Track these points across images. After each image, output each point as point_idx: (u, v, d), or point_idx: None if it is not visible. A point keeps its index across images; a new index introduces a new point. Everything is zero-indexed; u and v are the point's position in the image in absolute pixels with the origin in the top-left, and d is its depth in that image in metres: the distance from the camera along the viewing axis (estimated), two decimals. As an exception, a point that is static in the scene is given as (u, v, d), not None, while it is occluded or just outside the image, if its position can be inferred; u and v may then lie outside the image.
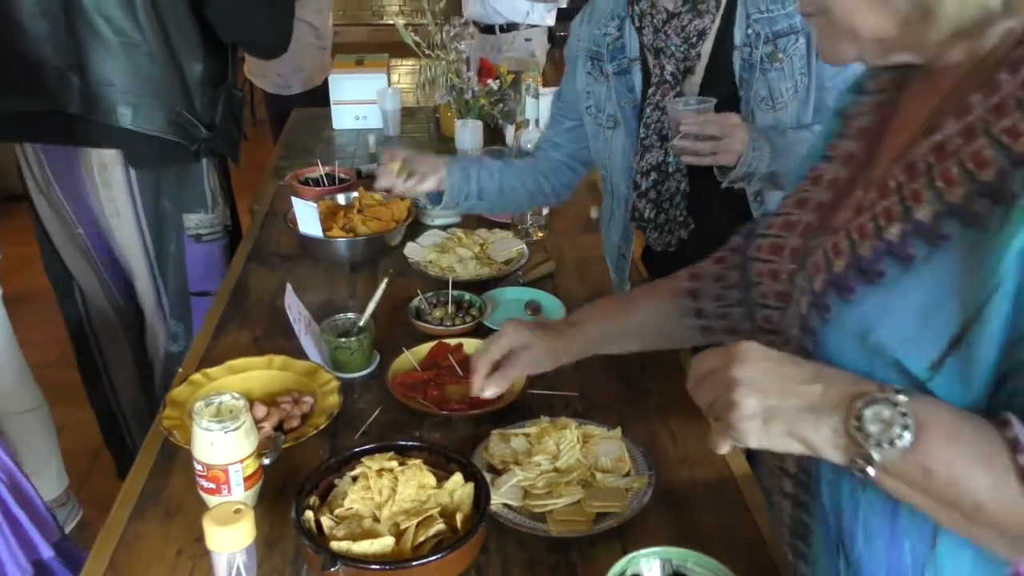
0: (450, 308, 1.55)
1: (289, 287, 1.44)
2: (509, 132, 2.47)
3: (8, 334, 2.05)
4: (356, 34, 7.49)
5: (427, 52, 2.52)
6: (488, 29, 3.45)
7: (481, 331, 1.50)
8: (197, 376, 1.34)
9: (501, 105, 2.51)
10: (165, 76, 1.85)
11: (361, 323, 1.42)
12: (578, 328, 1.18)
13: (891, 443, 0.66)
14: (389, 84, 2.70)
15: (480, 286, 1.66)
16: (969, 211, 0.67)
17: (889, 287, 0.72)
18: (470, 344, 1.43)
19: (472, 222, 1.97)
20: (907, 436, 0.65)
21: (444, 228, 1.91)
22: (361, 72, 2.71)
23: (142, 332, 2.23)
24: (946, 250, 0.68)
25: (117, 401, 2.34)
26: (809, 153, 0.97)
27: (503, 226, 1.93)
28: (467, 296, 1.58)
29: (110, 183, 1.93)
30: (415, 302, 1.56)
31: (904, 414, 0.66)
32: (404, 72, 6.50)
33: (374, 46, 6.89)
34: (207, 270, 2.10)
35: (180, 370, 1.44)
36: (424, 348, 1.43)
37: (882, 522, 0.76)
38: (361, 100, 2.70)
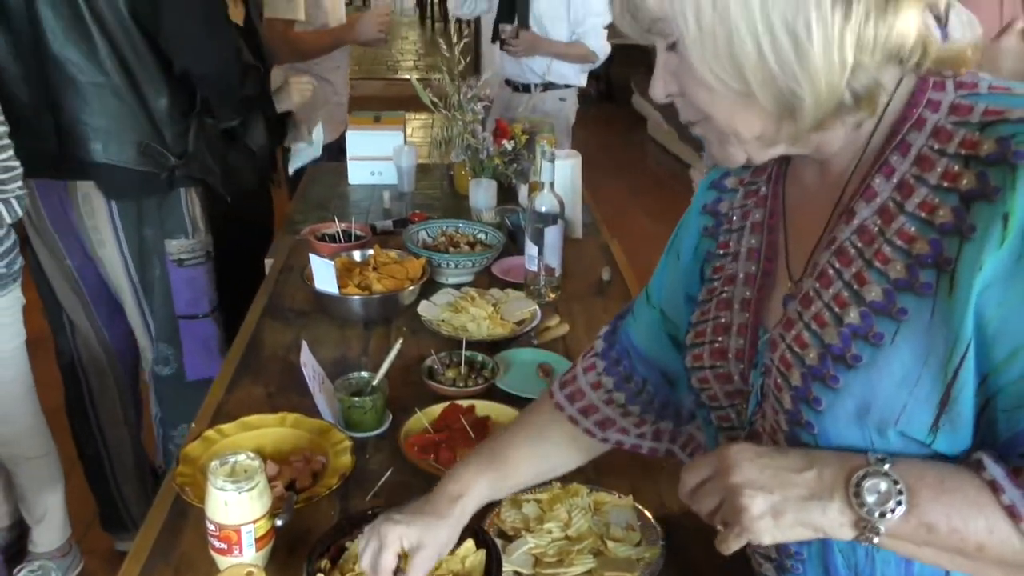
0: (463, 369, 1.56)
1: (305, 345, 1.45)
2: (522, 191, 2.50)
3: (27, 379, 2.06)
4: (371, 88, 7.60)
5: (444, 111, 2.56)
6: (523, 88, 3.47)
7: (494, 392, 1.51)
8: (211, 432, 1.34)
9: (515, 165, 2.55)
10: (132, 111, 1.98)
11: (375, 382, 1.43)
12: (462, 505, 1.04)
13: (892, 511, 0.71)
14: (405, 141, 2.74)
15: (493, 346, 1.67)
16: (916, 283, 0.74)
17: (869, 367, 0.76)
18: (482, 406, 1.44)
19: (485, 281, 1.99)
20: (904, 500, 0.71)
21: (458, 287, 1.93)
22: (378, 129, 2.76)
23: (133, 365, 2.33)
24: (908, 322, 0.74)
25: (104, 440, 2.38)
26: (683, 259, 1.02)
27: (516, 286, 1.94)
28: (480, 357, 1.58)
29: (93, 213, 2.05)
30: (428, 362, 1.57)
31: (896, 481, 0.72)
32: (417, 126, 6.60)
33: (389, 99, 7.00)
34: (194, 294, 2.20)
35: (193, 425, 1.44)
36: (436, 409, 1.43)
37: (897, 570, 0.81)
38: (377, 156, 2.74)
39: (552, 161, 1.86)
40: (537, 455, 1.11)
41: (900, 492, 0.71)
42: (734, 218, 0.95)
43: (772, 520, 0.74)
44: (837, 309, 0.79)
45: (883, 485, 0.71)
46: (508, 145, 2.55)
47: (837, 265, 0.79)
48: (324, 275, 1.74)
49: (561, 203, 1.89)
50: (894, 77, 0.77)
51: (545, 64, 3.41)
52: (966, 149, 0.73)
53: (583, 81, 3.57)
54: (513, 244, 2.14)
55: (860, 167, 0.80)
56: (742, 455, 0.78)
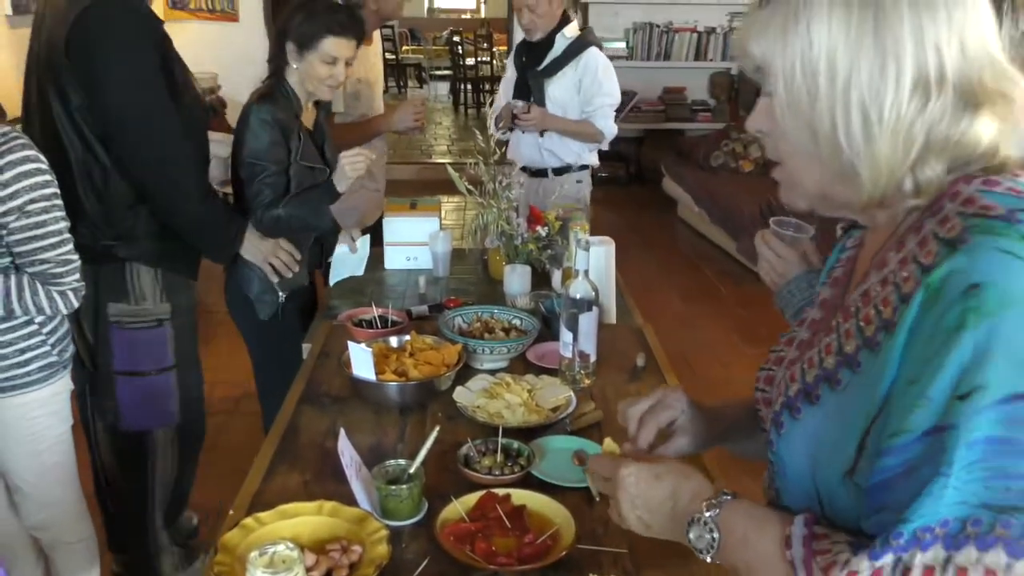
0: (499, 456, 1.56)
1: (343, 432, 1.46)
2: (556, 276, 2.53)
3: (71, 464, 2.09)
4: (406, 172, 7.77)
5: (479, 200, 2.61)
6: (539, 173, 3.55)
7: (529, 480, 1.50)
8: (249, 520, 1.35)
9: (549, 251, 2.59)
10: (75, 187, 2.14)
11: (411, 470, 1.44)
12: (718, 418, 1.27)
13: (706, 552, 0.93)
14: (440, 227, 2.80)
15: (528, 433, 1.67)
16: (873, 341, 0.84)
17: (824, 406, 0.89)
18: (518, 495, 1.43)
19: (520, 367, 2.00)
20: (714, 546, 0.91)
21: (493, 372, 1.94)
22: (414, 215, 2.82)
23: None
24: (860, 374, 0.85)
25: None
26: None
27: (551, 372, 1.95)
28: (516, 444, 1.59)
29: None
30: (464, 449, 1.57)
31: (712, 530, 0.92)
32: (450, 208, 6.70)
33: (423, 183, 7.16)
34: (134, 355, 2.33)
35: (231, 512, 1.45)
36: (473, 497, 1.43)
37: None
38: (413, 242, 2.79)
39: (587, 249, 1.88)
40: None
41: (713, 540, 0.91)
42: (831, 274, 1.06)
43: (644, 528, 1.01)
44: (824, 355, 0.90)
45: (703, 532, 0.93)
46: (542, 231, 2.59)
47: (840, 320, 0.90)
48: (362, 362, 1.76)
49: (596, 290, 1.91)
50: (956, 173, 0.82)
51: (562, 145, 3.48)
52: (946, 233, 0.79)
53: (595, 160, 3.63)
54: (548, 329, 2.16)
55: (888, 240, 0.88)
56: (626, 480, 1.00)
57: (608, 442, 1.28)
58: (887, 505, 0.77)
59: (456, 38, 12.21)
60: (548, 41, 3.43)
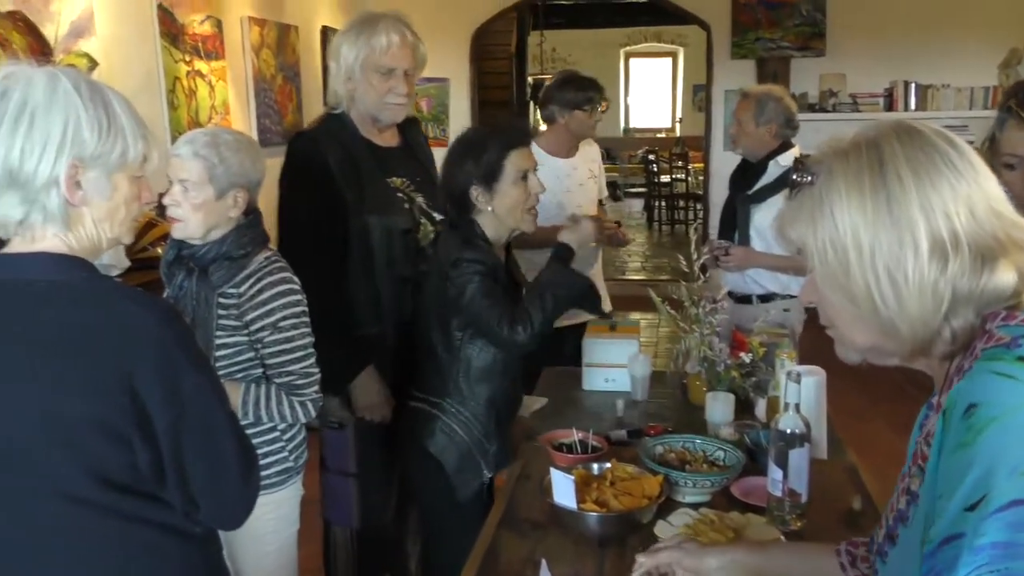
0: (704, 601, 1.48)
1: (544, 564, 1.45)
2: (760, 405, 2.43)
3: (293, 564, 2.17)
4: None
5: (681, 324, 2.58)
6: (744, 299, 3.45)
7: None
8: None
9: (753, 378, 2.50)
10: None
11: (614, 610, 1.39)
12: (767, 555, 1.37)
13: None
14: (639, 350, 2.78)
15: None
16: (923, 470, 0.95)
17: (901, 545, 1.00)
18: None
19: (724, 502, 1.92)
20: None
21: (695, 507, 1.87)
22: (614, 337, 2.82)
23: None
24: (917, 505, 0.96)
25: None
26: None
27: (757, 509, 1.85)
28: (722, 589, 1.50)
29: None
30: (667, 590, 1.51)
31: None
32: (644, 325, 6.66)
33: (616, 299, 7.16)
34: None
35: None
36: (678, 645, 1.36)
37: None
38: (611, 364, 2.78)
39: (798, 382, 1.80)
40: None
41: None
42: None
43: None
44: (900, 498, 1.03)
45: None
46: (745, 357, 2.52)
47: (910, 463, 1.02)
48: (563, 489, 1.75)
49: (807, 424, 1.81)
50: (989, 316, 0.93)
51: (767, 273, 3.37)
52: (968, 366, 0.92)
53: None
54: (752, 462, 2.06)
55: (944, 385, 0.98)
56: None
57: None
58: None
59: (651, 156, 12.41)
60: (761, 166, 3.37)
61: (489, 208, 2.24)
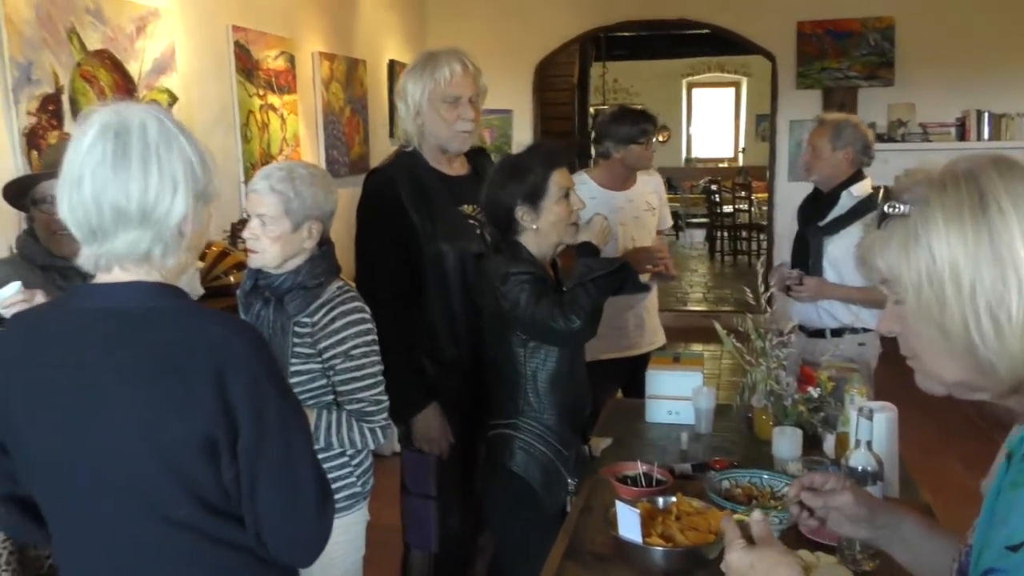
0: (774, 640, 1.46)
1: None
2: (828, 441, 2.39)
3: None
4: (661, 319, 7.78)
5: (748, 357, 2.56)
6: (816, 333, 3.37)
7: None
8: None
9: (821, 413, 2.46)
10: None
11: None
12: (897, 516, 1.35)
13: None
14: (703, 382, 2.76)
15: (804, 617, 1.56)
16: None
17: None
18: None
19: (792, 539, 1.88)
20: None
21: (763, 544, 1.84)
22: (677, 369, 2.81)
23: None
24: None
25: None
26: None
27: (827, 548, 1.82)
28: (792, 628, 1.48)
29: None
30: (735, 628, 1.49)
31: None
32: (706, 357, 6.60)
33: (678, 330, 7.12)
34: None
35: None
36: None
37: None
38: (675, 396, 2.77)
39: (870, 419, 1.78)
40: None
41: None
42: None
43: None
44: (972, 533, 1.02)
45: None
46: (813, 392, 2.48)
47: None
48: (629, 522, 1.75)
49: (879, 461, 1.78)
50: None
51: (840, 307, 3.29)
52: None
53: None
54: (821, 500, 2.03)
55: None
56: (730, 560, 1.18)
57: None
58: None
59: (713, 186, 12.33)
60: (833, 196, 3.29)
61: (534, 227, 2.31)
